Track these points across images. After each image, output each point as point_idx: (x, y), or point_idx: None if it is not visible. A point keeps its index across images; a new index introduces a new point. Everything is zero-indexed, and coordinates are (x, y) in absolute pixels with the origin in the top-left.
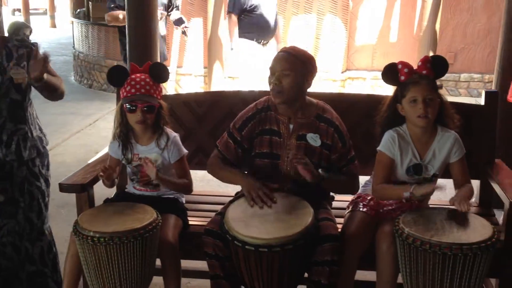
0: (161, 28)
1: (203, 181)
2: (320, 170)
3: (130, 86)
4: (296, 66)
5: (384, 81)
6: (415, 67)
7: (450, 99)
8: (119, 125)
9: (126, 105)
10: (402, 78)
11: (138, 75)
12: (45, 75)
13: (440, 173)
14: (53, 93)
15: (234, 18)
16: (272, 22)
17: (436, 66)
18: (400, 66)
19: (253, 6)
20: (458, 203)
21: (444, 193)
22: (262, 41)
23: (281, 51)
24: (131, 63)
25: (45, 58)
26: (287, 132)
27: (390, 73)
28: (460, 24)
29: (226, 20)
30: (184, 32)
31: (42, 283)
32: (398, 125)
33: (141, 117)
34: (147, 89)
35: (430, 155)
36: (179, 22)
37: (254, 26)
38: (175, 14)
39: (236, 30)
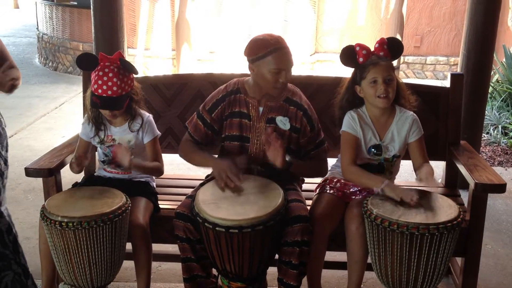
0: None
1: (172, 164)
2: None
3: (97, 85)
4: None
5: (342, 63)
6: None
7: (416, 81)
8: (91, 108)
9: (94, 102)
10: (361, 60)
11: (106, 71)
12: None
13: (401, 154)
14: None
15: None
16: None
17: (392, 48)
18: (358, 48)
19: None
20: (425, 180)
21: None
22: None
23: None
24: (100, 53)
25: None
26: (257, 115)
27: (348, 55)
28: (426, 7)
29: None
30: None
31: (4, 266)
32: (357, 107)
33: (110, 115)
34: (114, 91)
35: (389, 136)
36: None
37: None
38: None
39: None
